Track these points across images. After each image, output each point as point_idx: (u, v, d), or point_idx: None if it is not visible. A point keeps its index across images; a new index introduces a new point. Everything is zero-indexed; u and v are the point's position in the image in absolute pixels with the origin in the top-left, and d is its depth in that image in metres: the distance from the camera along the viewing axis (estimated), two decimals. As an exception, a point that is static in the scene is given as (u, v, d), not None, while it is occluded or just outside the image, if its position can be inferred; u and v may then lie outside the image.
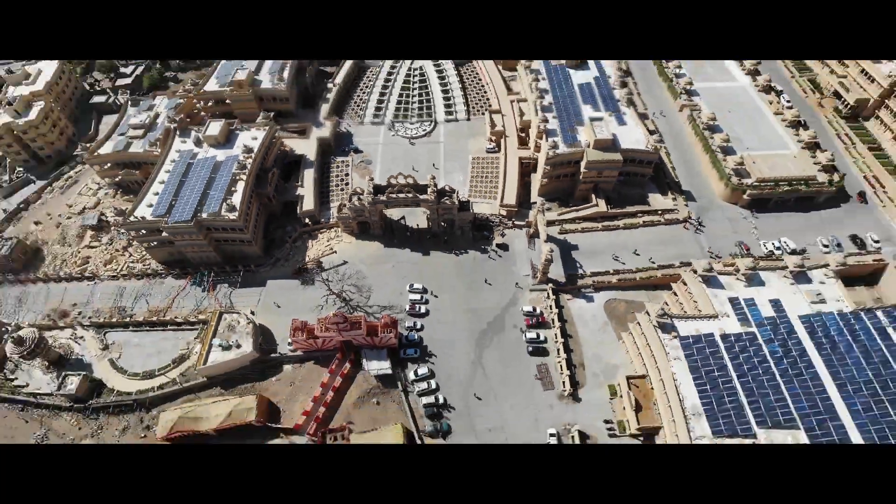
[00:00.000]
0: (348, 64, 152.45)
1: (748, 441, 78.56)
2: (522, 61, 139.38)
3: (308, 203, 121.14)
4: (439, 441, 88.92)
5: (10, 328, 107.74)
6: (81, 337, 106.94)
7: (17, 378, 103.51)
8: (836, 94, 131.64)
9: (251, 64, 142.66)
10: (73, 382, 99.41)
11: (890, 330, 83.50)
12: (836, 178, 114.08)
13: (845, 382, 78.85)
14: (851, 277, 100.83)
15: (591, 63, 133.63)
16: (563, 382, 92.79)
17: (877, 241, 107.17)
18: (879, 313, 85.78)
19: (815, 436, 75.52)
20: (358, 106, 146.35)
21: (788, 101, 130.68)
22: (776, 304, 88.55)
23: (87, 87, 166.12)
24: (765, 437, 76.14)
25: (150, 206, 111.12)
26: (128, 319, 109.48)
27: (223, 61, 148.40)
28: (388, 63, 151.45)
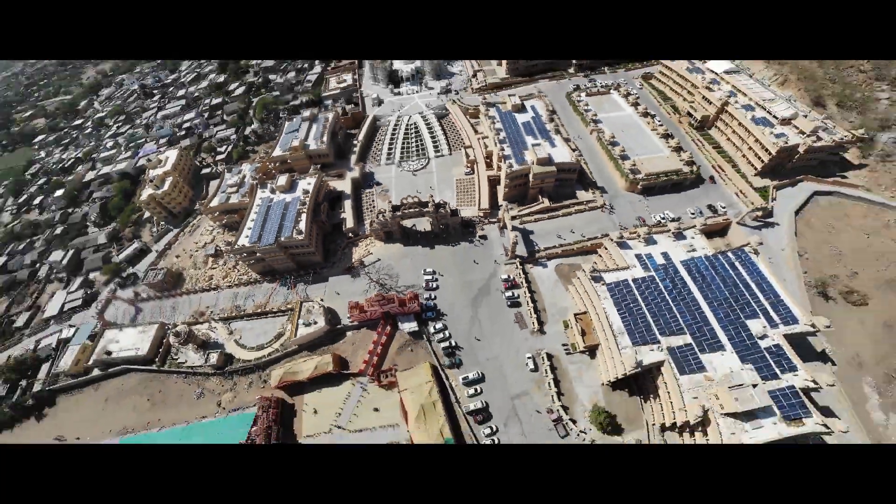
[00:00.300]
0: (366, 126, 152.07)
1: (657, 350, 76.46)
2: (482, 109, 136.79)
3: (349, 222, 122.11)
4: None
5: (170, 326, 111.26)
6: (215, 327, 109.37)
7: (179, 357, 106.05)
8: (689, 114, 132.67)
9: (301, 133, 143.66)
10: (213, 357, 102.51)
11: (736, 263, 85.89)
12: (694, 168, 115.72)
13: (712, 300, 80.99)
14: (710, 232, 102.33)
15: (528, 107, 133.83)
16: (533, 323, 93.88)
17: (724, 208, 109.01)
18: (729, 254, 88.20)
19: (696, 337, 76.78)
20: (375, 153, 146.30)
21: (659, 121, 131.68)
22: (665, 255, 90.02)
23: (198, 164, 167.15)
24: (665, 342, 76.77)
25: (247, 237, 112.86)
26: (242, 313, 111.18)
27: (284, 135, 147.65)
28: (392, 122, 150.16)
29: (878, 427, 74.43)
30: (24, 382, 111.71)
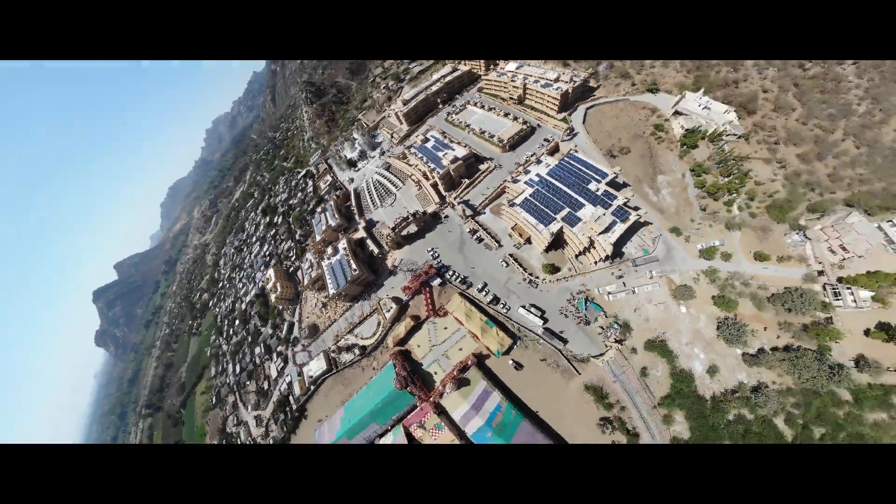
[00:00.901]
0: (352, 196, 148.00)
1: (556, 223, 78.06)
2: (406, 152, 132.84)
3: (375, 250, 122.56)
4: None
5: (328, 350, 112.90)
6: (347, 338, 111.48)
7: (341, 359, 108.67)
8: (511, 98, 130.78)
9: (323, 221, 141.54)
10: (356, 350, 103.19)
11: (571, 161, 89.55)
12: (527, 125, 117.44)
13: (569, 185, 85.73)
14: (552, 152, 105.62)
15: (429, 137, 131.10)
16: (493, 244, 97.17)
17: (552, 137, 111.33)
18: (565, 158, 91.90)
19: (570, 206, 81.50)
20: (365, 207, 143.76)
21: (498, 109, 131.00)
22: (538, 174, 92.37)
23: (285, 269, 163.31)
24: (559, 216, 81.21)
25: (332, 287, 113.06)
26: (355, 323, 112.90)
27: (315, 227, 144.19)
28: (364, 186, 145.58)
29: (657, 203, 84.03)
30: (287, 408, 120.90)
